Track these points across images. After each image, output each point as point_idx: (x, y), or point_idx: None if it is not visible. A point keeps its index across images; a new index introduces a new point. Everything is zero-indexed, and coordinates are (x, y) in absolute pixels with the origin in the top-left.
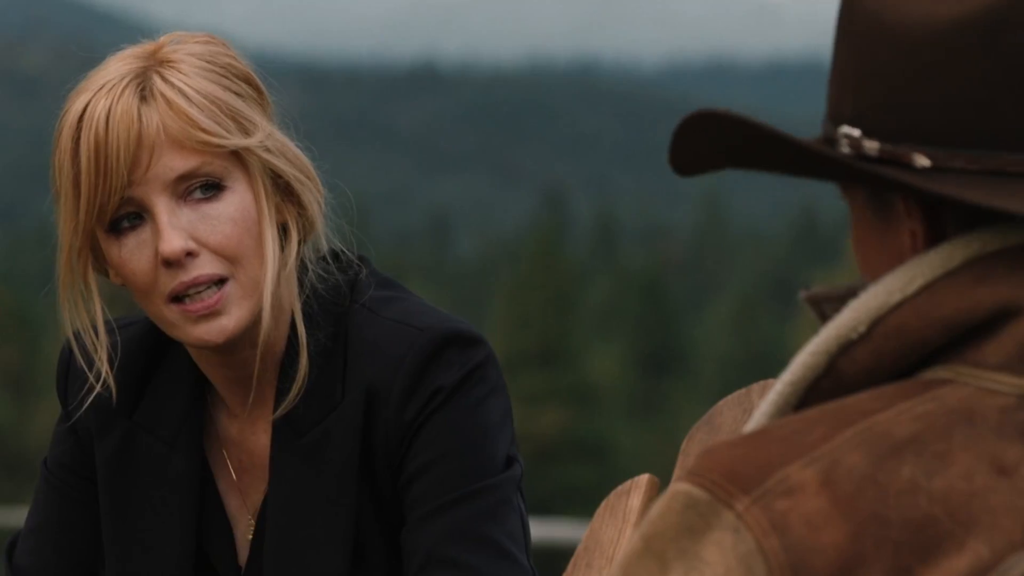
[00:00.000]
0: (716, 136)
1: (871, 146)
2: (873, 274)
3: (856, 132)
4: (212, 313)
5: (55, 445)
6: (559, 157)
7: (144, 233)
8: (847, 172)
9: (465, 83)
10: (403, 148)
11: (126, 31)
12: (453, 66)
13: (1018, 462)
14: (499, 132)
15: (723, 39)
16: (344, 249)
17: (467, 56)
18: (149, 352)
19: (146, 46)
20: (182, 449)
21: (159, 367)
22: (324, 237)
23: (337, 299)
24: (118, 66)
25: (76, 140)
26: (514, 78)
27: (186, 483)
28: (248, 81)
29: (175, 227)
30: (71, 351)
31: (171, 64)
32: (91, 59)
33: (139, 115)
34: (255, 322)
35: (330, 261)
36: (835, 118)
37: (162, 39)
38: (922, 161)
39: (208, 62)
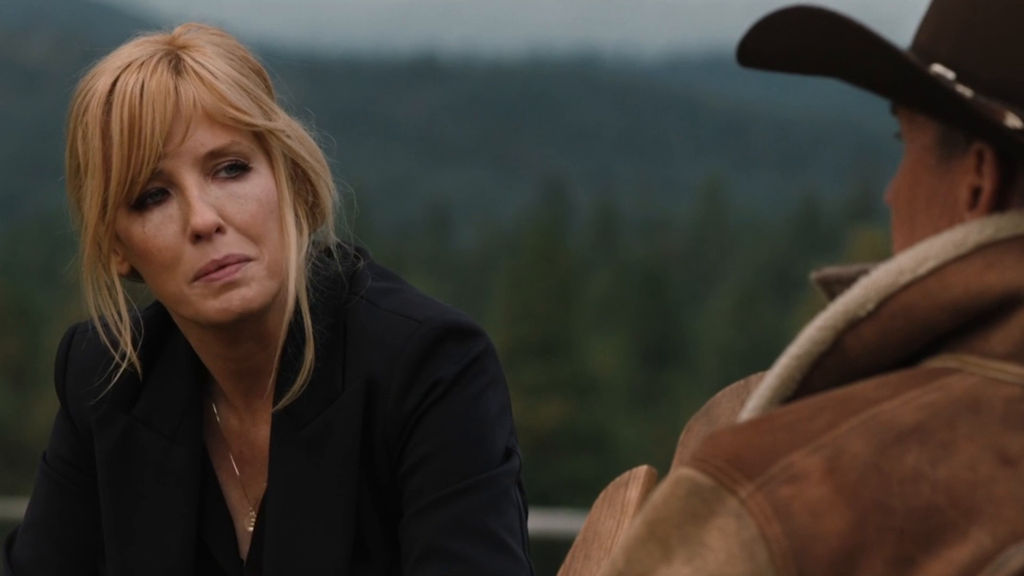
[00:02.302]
0: (805, 33)
1: (964, 92)
2: (912, 223)
3: (950, 75)
4: (233, 283)
5: (54, 438)
6: (560, 149)
7: (170, 208)
8: (952, 107)
9: (465, 74)
10: (403, 139)
11: (126, 23)
12: (453, 57)
13: (1023, 453)
14: (499, 124)
15: (724, 31)
16: (342, 242)
17: (467, 47)
18: (147, 346)
19: (160, 35)
20: (182, 442)
21: (157, 361)
22: (332, 229)
23: (336, 291)
24: (139, 49)
25: (107, 113)
26: (515, 70)
27: (187, 477)
28: (260, 75)
29: (205, 202)
30: (69, 343)
31: (194, 48)
32: (92, 51)
33: (176, 88)
34: (267, 308)
35: (334, 252)
36: (926, 53)
37: (177, 29)
38: (1014, 122)
39: (227, 51)
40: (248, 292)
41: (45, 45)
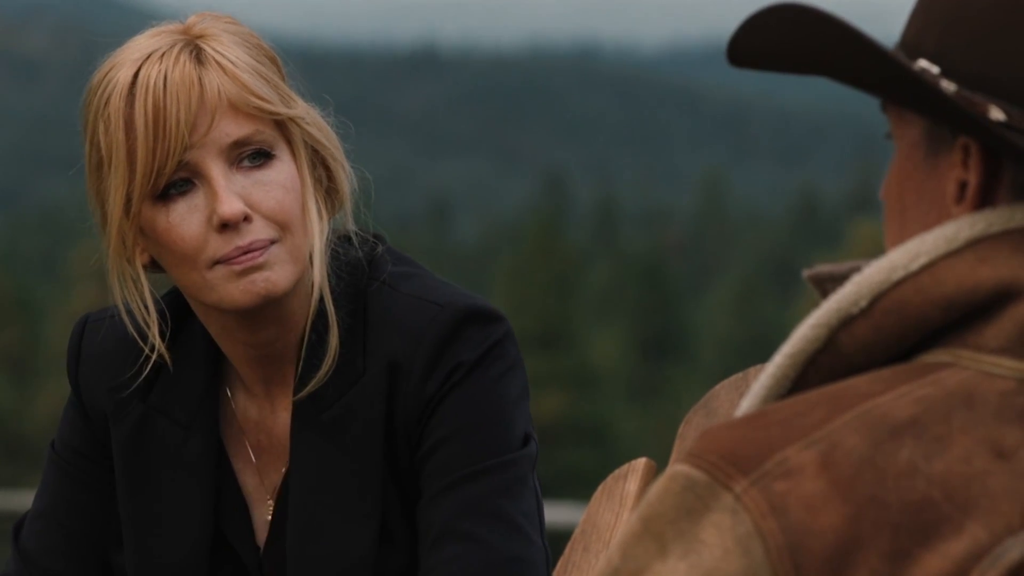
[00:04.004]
0: (791, 31)
1: (948, 87)
2: (902, 218)
3: (935, 69)
4: (256, 267)
5: (64, 427)
6: (559, 140)
7: (195, 199)
8: (934, 102)
9: (465, 66)
10: (403, 131)
11: (126, 14)
12: (453, 49)
13: (1017, 446)
14: (499, 115)
15: (724, 22)
16: (359, 229)
17: (467, 39)
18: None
19: (175, 24)
20: (198, 431)
21: (173, 349)
22: (350, 216)
23: (357, 276)
24: (156, 39)
25: (130, 105)
26: (514, 61)
27: (203, 465)
28: (275, 63)
29: (232, 191)
30: (82, 332)
31: (212, 37)
32: (91, 43)
33: (200, 78)
34: (290, 293)
35: (354, 238)
36: (912, 48)
37: (190, 19)
38: (997, 115)
39: (243, 39)
40: (272, 275)
41: (45, 37)
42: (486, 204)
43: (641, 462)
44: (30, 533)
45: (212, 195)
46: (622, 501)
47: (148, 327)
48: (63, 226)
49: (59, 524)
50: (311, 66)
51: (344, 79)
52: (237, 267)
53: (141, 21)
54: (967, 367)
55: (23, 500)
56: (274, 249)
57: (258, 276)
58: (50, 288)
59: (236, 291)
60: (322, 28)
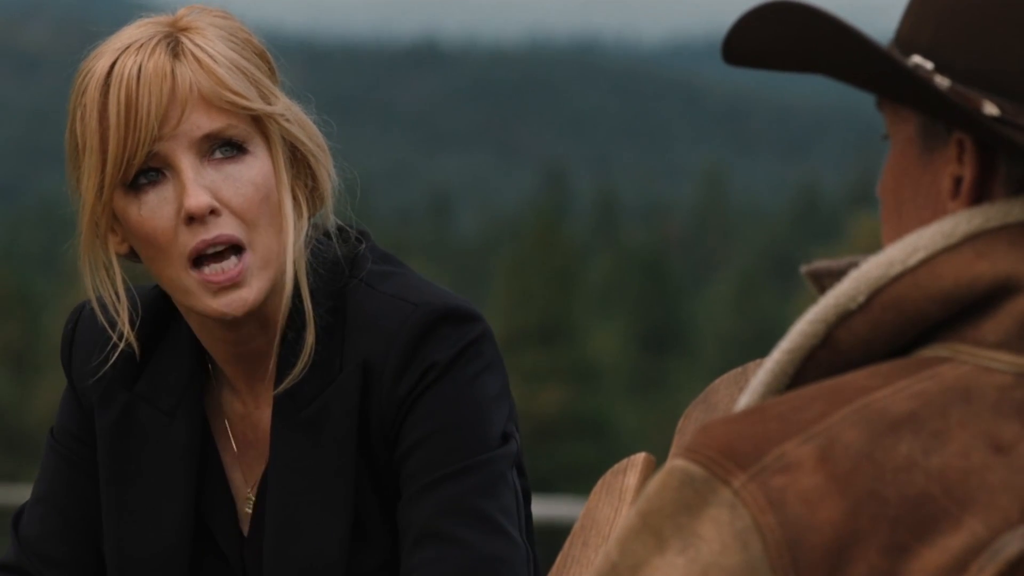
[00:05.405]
0: (785, 29)
1: (941, 82)
2: (898, 214)
3: (929, 65)
4: (233, 285)
5: (61, 413)
6: (560, 135)
7: (166, 190)
8: (928, 97)
9: (466, 61)
10: (403, 126)
11: (126, 8)
12: (454, 44)
13: (1015, 440)
14: (500, 110)
15: (724, 16)
16: (345, 225)
17: (468, 34)
18: (149, 326)
19: (163, 17)
20: (182, 420)
21: (161, 341)
22: (331, 213)
23: (336, 273)
24: (140, 30)
25: (105, 95)
26: (515, 56)
27: (186, 454)
28: (263, 58)
29: (200, 184)
30: (77, 320)
31: (195, 31)
32: (91, 37)
33: (172, 71)
34: (269, 293)
35: (333, 236)
36: (907, 44)
37: (180, 11)
38: (991, 109)
39: (229, 34)
40: (247, 294)
41: (45, 31)
42: (486, 198)
43: (640, 457)
44: (29, 520)
45: (180, 188)
46: (621, 496)
47: (118, 314)
48: (63, 220)
49: (57, 510)
50: (312, 61)
51: (344, 74)
52: (212, 285)
53: (141, 16)
54: (965, 362)
55: (23, 494)
56: (247, 261)
57: (234, 296)
58: (50, 282)
59: (210, 308)
60: (322, 23)
